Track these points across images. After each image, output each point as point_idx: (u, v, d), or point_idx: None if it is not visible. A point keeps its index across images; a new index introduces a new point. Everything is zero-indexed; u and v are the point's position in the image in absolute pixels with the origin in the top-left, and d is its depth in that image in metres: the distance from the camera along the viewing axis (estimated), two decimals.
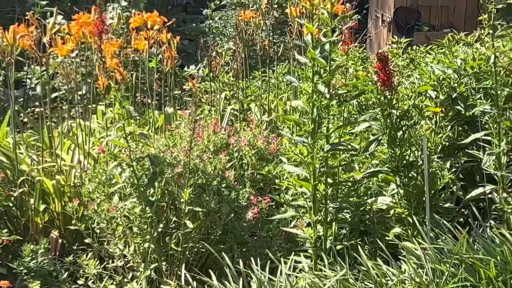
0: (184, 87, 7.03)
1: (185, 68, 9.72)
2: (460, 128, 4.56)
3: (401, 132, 3.67)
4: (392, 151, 3.69)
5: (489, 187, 3.96)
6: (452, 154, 4.43)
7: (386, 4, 10.37)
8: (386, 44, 10.25)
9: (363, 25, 9.53)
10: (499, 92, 3.86)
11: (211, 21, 10.39)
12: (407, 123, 3.65)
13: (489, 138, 3.94)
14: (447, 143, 4.41)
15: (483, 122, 3.97)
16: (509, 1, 7.90)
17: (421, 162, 3.68)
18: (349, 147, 3.51)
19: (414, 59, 5.89)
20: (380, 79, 3.46)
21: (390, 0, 10.13)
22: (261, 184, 4.46)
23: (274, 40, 9.12)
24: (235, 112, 5.36)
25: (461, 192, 4.27)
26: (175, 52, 5.06)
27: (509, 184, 4.01)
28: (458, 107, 4.47)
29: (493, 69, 3.89)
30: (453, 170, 4.16)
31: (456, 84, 4.53)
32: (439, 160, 4.06)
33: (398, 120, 3.65)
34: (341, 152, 3.69)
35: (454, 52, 4.75)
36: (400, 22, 9.98)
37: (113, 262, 4.06)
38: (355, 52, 4.69)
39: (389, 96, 3.55)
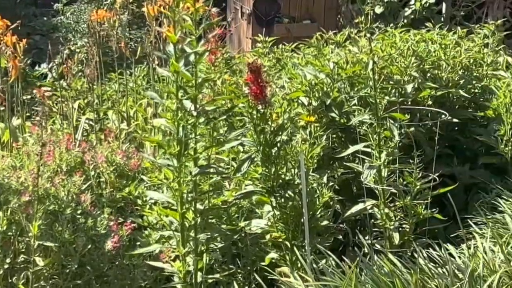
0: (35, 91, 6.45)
1: (37, 67, 9.08)
2: (335, 136, 4.26)
3: (275, 148, 3.32)
4: (267, 170, 3.33)
5: (370, 203, 3.67)
6: (327, 165, 4.12)
7: None
8: (246, 37, 9.94)
9: (223, 19, 9.16)
10: (378, 100, 3.57)
11: (62, 17, 9.77)
12: (281, 138, 3.30)
13: (368, 149, 3.65)
14: (322, 153, 4.10)
15: (362, 133, 3.67)
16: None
17: (298, 180, 3.34)
18: (220, 169, 3.13)
19: (281, 59, 5.58)
20: (252, 92, 3.10)
21: None
22: (122, 203, 4.03)
23: (131, 36, 8.64)
24: (91, 123, 4.88)
25: (338, 206, 3.97)
26: (21, 53, 4.56)
27: (390, 198, 3.74)
28: (333, 114, 4.17)
29: (370, 75, 3.60)
30: (331, 184, 3.84)
31: (329, 89, 4.22)
32: (314, 174, 3.74)
33: (272, 135, 3.29)
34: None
35: (326, 54, 4.45)
36: (260, 14, 9.69)
37: None
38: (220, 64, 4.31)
39: (262, 110, 3.19)
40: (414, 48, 4.58)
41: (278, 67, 5.48)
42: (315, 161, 3.78)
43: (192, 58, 2.95)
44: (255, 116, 3.22)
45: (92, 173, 3.96)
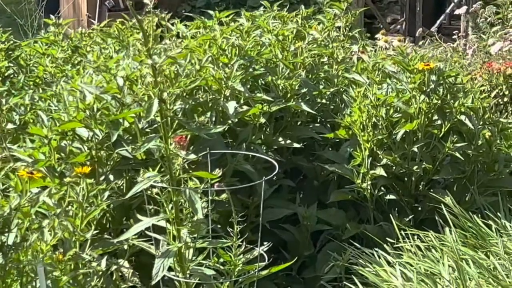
0: None
1: None
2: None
3: (1, 253, 2.07)
4: None
5: None
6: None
7: None
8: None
9: None
10: (172, 156, 2.35)
11: None
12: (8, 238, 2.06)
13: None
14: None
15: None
16: None
17: None
18: None
19: (80, 47, 4.27)
20: None
21: None
22: None
23: None
24: None
25: None
26: None
27: None
28: (123, 152, 2.94)
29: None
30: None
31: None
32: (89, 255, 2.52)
33: None
34: None
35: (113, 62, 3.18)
36: None
37: None
38: None
39: None
40: (241, 42, 3.38)
41: (76, 58, 4.18)
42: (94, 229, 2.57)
43: None
44: None
45: None
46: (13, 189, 2.58)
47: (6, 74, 4.01)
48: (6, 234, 2.08)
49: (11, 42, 4.16)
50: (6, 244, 2.07)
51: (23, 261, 2.12)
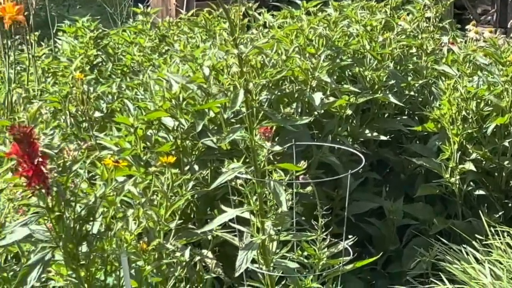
0: None
1: None
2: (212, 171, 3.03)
3: (86, 242, 2.08)
4: (76, 275, 2.11)
5: None
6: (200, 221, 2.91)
7: None
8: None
9: None
10: (258, 147, 2.33)
11: None
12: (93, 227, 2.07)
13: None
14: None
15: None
16: None
17: None
18: None
19: (167, 36, 4.29)
20: (24, 174, 1.84)
21: None
22: None
23: None
24: None
25: None
26: None
27: (283, 282, 2.54)
28: (208, 142, 2.93)
29: (242, 109, 2.34)
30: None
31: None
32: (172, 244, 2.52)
33: (78, 223, 2.06)
34: None
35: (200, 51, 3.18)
36: None
37: None
38: None
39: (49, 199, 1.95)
40: (328, 33, 3.34)
41: (163, 47, 4.20)
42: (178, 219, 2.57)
43: None
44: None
45: None
46: (99, 177, 2.60)
47: (94, 62, 4.05)
48: (91, 223, 2.08)
49: (100, 30, 4.20)
50: (91, 232, 2.07)
51: (107, 250, 2.12)
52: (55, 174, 1.95)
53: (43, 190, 1.92)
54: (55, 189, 1.95)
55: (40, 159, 1.82)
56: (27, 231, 2.05)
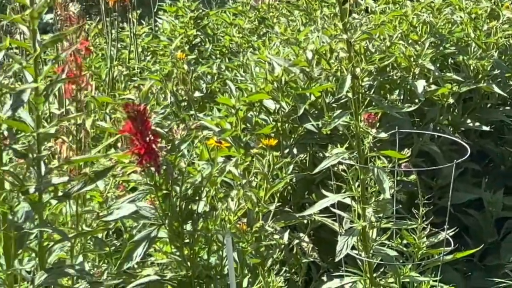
0: None
1: None
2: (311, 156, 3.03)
3: (190, 222, 2.11)
4: (179, 253, 2.14)
5: (349, 279, 2.47)
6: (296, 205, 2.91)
7: None
8: None
9: None
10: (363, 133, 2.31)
11: None
12: (199, 206, 2.09)
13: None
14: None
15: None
16: None
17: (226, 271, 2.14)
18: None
19: (266, 19, 4.29)
20: (135, 151, 1.86)
21: None
22: None
23: None
24: None
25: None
26: None
27: (382, 269, 2.52)
28: (309, 126, 2.93)
29: (349, 95, 2.32)
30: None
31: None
32: (271, 226, 2.53)
33: (184, 202, 2.08)
34: None
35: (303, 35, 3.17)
36: None
37: None
38: None
39: (157, 177, 1.98)
40: (432, 20, 3.29)
41: (262, 29, 4.21)
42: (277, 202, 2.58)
43: None
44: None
45: None
46: (197, 157, 2.63)
47: (194, 43, 4.09)
48: (197, 202, 2.10)
49: (200, 10, 4.23)
50: (196, 212, 2.10)
51: (212, 230, 2.14)
52: (164, 153, 1.98)
53: (152, 168, 1.94)
54: (163, 167, 1.97)
55: (152, 137, 1.84)
56: (133, 208, 2.08)
